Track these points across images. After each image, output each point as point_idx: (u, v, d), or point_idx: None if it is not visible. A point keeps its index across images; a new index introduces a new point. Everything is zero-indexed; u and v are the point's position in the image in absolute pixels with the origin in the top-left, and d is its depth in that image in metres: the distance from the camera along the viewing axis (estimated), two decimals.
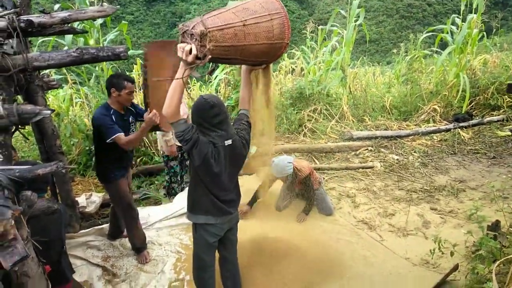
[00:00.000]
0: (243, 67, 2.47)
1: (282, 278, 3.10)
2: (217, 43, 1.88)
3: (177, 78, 1.98)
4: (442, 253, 2.96)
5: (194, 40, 1.87)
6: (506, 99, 7.49)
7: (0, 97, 1.79)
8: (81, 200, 4.11)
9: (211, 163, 2.20)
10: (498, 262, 2.26)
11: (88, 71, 6.02)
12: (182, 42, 1.96)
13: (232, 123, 2.41)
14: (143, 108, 3.31)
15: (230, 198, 2.42)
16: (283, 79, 8.94)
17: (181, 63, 1.96)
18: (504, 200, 4.17)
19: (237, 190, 2.51)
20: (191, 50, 1.87)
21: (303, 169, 3.97)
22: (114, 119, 3.00)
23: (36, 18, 2.15)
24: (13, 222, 1.33)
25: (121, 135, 2.95)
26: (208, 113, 2.18)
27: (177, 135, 2.12)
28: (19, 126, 1.99)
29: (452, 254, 2.91)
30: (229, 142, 2.25)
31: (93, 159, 3.71)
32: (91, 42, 5.44)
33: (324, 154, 6.04)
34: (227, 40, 1.91)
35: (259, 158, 2.83)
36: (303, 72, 8.48)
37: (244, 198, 2.72)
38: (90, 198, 4.21)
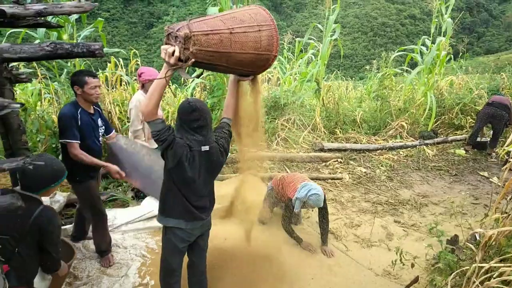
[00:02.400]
0: (231, 76, 2.49)
1: (249, 285, 3.12)
2: (201, 47, 1.88)
3: (159, 78, 1.98)
4: (403, 265, 3.06)
5: (178, 42, 1.87)
6: (469, 120, 7.90)
7: None
8: (45, 199, 3.95)
9: (185, 167, 2.19)
10: (453, 274, 2.37)
11: (60, 66, 5.84)
12: (166, 43, 1.96)
13: (213, 130, 2.41)
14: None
15: (203, 204, 2.41)
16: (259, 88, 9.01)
17: (164, 64, 1.96)
18: (463, 216, 4.39)
19: (211, 196, 2.50)
20: (174, 52, 1.88)
21: None
22: (80, 121, 2.93)
23: (9, 8, 2.09)
24: None
25: (75, 143, 2.88)
26: (188, 116, 2.19)
27: (153, 134, 2.11)
28: None
29: (412, 265, 3.02)
30: (206, 148, 2.25)
31: (59, 157, 3.59)
32: (65, 37, 5.29)
33: (295, 163, 6.12)
34: (212, 46, 1.91)
35: (246, 164, 2.83)
36: (278, 82, 8.60)
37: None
38: (54, 198, 4.06)
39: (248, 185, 3.06)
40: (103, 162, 2.99)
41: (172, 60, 1.90)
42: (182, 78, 8.82)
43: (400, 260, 3.02)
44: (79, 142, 2.91)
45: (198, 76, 2.44)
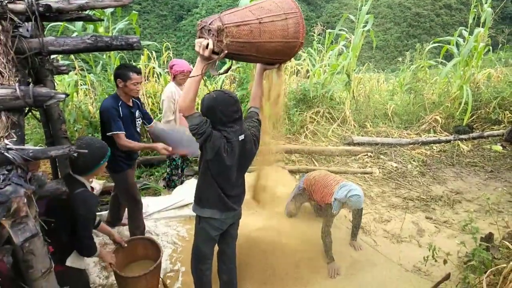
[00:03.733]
0: (258, 65, 2.51)
1: (277, 274, 3.16)
2: (234, 39, 1.93)
3: (194, 76, 2.02)
4: (435, 261, 3.00)
5: (211, 35, 1.92)
6: (507, 114, 7.55)
7: (16, 79, 1.82)
8: None
9: (223, 157, 2.21)
10: (488, 272, 2.31)
11: (95, 58, 6.04)
12: (199, 37, 2.00)
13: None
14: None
15: (236, 193, 2.45)
16: (288, 80, 8.96)
17: (198, 58, 2.00)
18: (499, 213, 4.24)
19: (243, 186, 2.55)
20: (207, 45, 1.92)
21: None
22: (121, 113, 3.04)
23: (54, 3, 2.18)
24: (25, 200, 1.38)
25: (122, 134, 3.01)
26: (231, 108, 2.20)
27: (191, 128, 2.12)
28: (32, 108, 2.03)
29: (445, 262, 2.96)
30: (242, 137, 2.28)
31: None
32: (101, 30, 5.46)
33: (324, 156, 6.09)
34: (243, 37, 1.96)
35: (263, 157, 2.86)
36: (308, 74, 8.51)
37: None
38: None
39: (273, 176, 3.08)
40: (149, 144, 3.13)
41: (206, 53, 1.94)
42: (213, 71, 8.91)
43: (433, 256, 2.97)
44: (124, 132, 3.03)
45: (226, 72, 2.47)
